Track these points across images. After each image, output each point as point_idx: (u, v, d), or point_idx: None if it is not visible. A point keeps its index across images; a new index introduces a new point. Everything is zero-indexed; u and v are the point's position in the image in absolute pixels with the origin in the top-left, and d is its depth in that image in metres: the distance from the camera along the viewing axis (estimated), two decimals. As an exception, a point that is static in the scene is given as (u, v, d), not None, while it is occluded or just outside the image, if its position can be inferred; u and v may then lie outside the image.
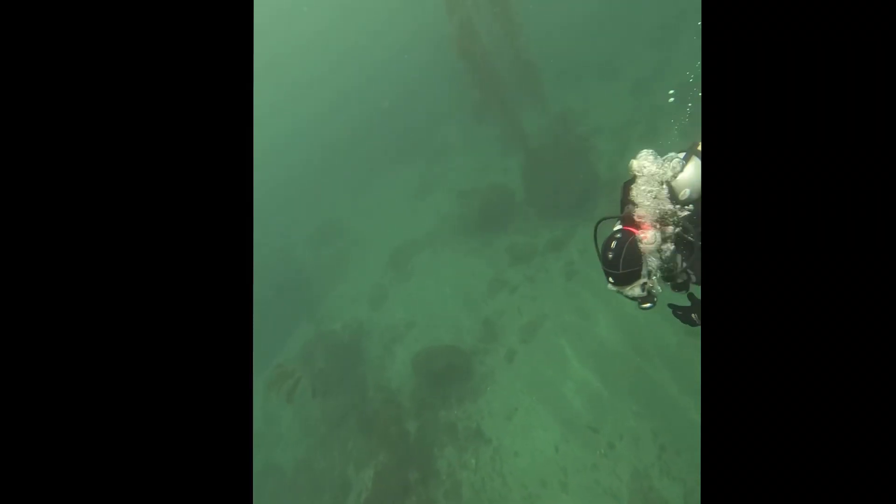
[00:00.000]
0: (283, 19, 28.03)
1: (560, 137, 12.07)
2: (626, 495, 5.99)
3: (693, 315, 2.49)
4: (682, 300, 2.56)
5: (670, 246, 2.32)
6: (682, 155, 2.50)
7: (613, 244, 2.25)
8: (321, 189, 20.96)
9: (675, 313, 2.56)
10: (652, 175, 2.36)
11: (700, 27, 1.63)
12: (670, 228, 2.34)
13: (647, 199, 2.33)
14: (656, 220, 2.31)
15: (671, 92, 11.71)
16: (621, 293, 2.30)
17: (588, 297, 8.77)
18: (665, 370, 6.90)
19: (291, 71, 32.25)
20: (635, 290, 2.26)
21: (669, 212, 2.33)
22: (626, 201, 2.41)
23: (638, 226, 2.30)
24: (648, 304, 2.36)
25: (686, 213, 2.37)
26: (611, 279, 2.26)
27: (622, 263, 2.19)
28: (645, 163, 2.40)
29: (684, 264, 2.43)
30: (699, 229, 2.38)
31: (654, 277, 2.30)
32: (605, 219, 2.49)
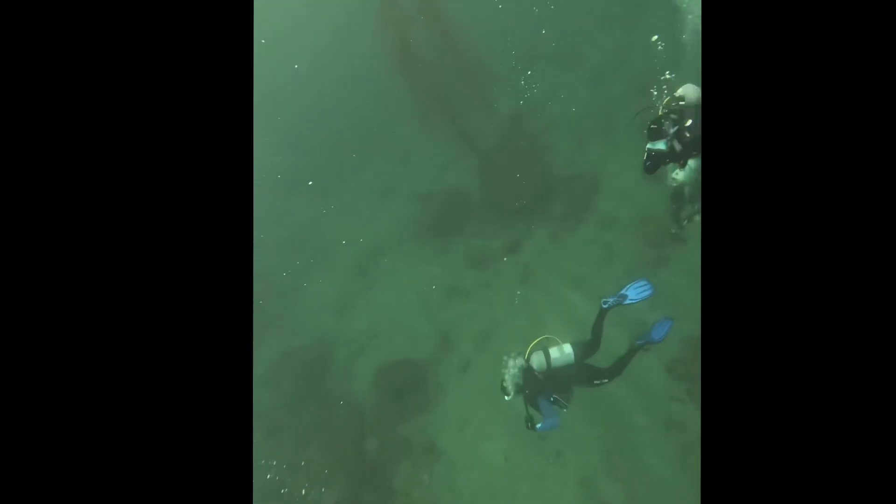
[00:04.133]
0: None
1: (511, 138, 12.02)
2: (571, 502, 6.08)
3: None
4: None
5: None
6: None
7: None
8: (289, 193, 20.69)
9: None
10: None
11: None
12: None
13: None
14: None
15: None
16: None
17: (541, 302, 8.82)
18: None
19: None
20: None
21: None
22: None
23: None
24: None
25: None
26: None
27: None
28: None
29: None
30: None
31: None
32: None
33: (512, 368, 4.40)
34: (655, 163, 3.64)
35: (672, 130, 3.59)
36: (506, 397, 4.35)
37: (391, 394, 8.46)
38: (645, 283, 4.59)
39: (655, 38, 10.20)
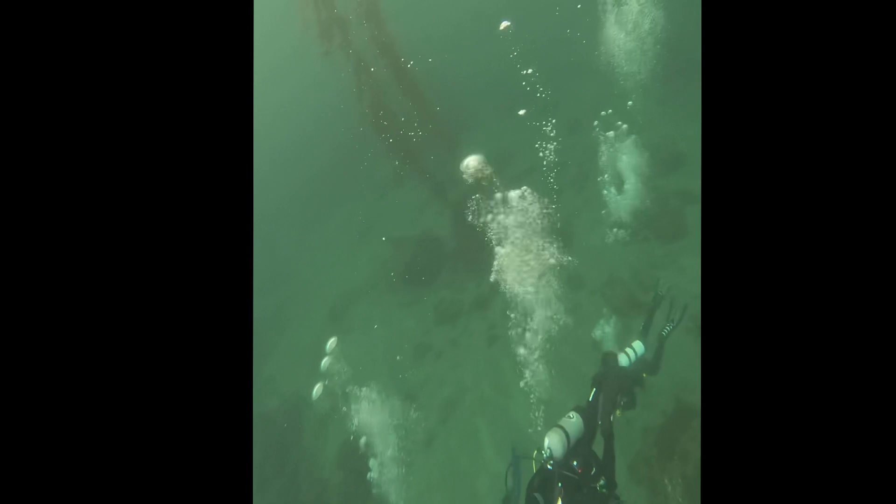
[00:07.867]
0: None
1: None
2: None
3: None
4: None
5: None
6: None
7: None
8: (267, 232, 20.50)
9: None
10: None
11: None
12: None
13: None
14: None
15: None
16: None
17: (507, 368, 8.63)
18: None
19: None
20: None
21: None
22: None
23: None
24: None
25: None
26: None
27: None
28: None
29: None
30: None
31: None
32: None
33: None
34: None
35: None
36: None
37: (356, 474, 8.26)
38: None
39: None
